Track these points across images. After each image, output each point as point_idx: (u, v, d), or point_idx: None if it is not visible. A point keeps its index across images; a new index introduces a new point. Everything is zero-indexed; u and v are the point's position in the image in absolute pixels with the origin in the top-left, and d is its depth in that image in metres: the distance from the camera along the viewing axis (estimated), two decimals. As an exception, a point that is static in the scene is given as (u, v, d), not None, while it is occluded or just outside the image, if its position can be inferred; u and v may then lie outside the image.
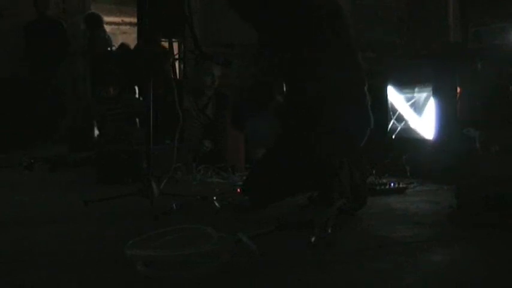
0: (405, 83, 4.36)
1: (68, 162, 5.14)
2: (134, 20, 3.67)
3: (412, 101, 4.30)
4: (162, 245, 1.94)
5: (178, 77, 5.52)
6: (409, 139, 4.28)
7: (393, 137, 4.39)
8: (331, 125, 2.66)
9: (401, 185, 3.46)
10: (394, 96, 4.43)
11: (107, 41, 6.91)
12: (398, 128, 4.38)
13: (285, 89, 2.81)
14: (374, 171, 3.64)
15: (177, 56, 5.42)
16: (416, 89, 4.26)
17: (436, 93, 3.98)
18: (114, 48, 6.92)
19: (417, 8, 5.86)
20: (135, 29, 3.46)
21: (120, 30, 7.90)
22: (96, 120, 5.54)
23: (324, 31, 2.70)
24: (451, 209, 2.63)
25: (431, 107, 4.03)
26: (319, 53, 2.69)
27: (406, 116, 4.36)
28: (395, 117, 4.41)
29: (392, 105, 4.43)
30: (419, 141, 4.18)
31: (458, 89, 3.84)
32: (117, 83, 5.37)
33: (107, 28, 7.14)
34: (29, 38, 6.79)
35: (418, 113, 4.27)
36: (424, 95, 4.18)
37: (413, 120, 4.31)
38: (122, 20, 8.30)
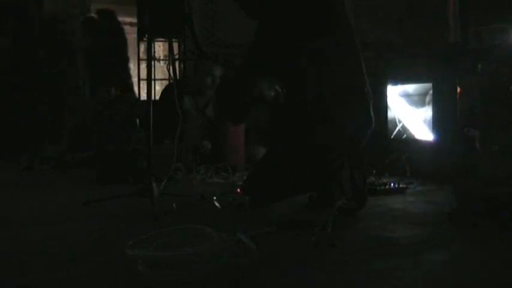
0: (405, 83, 4.36)
1: (68, 162, 5.14)
2: (134, 20, 3.66)
3: (412, 100, 4.30)
4: (162, 245, 1.94)
5: (178, 77, 5.51)
6: (409, 139, 4.28)
7: (392, 136, 4.39)
8: (332, 125, 2.66)
9: (401, 185, 3.46)
10: (394, 96, 4.43)
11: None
12: (398, 128, 4.38)
13: (285, 89, 2.81)
14: (374, 171, 3.64)
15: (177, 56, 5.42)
16: (416, 89, 4.26)
17: (435, 93, 3.98)
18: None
19: (417, 8, 5.86)
20: (135, 29, 3.45)
21: (120, 30, 7.88)
22: (96, 120, 5.54)
23: (324, 31, 2.69)
24: (451, 209, 2.63)
25: (431, 106, 4.03)
26: (319, 53, 2.69)
27: (405, 116, 4.36)
28: (395, 117, 4.42)
29: (392, 105, 4.43)
30: (419, 141, 4.18)
31: (458, 89, 3.84)
32: (117, 83, 5.37)
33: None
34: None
35: (417, 113, 4.27)
36: (423, 94, 4.18)
37: (413, 120, 4.31)
38: (122, 20, 8.27)
